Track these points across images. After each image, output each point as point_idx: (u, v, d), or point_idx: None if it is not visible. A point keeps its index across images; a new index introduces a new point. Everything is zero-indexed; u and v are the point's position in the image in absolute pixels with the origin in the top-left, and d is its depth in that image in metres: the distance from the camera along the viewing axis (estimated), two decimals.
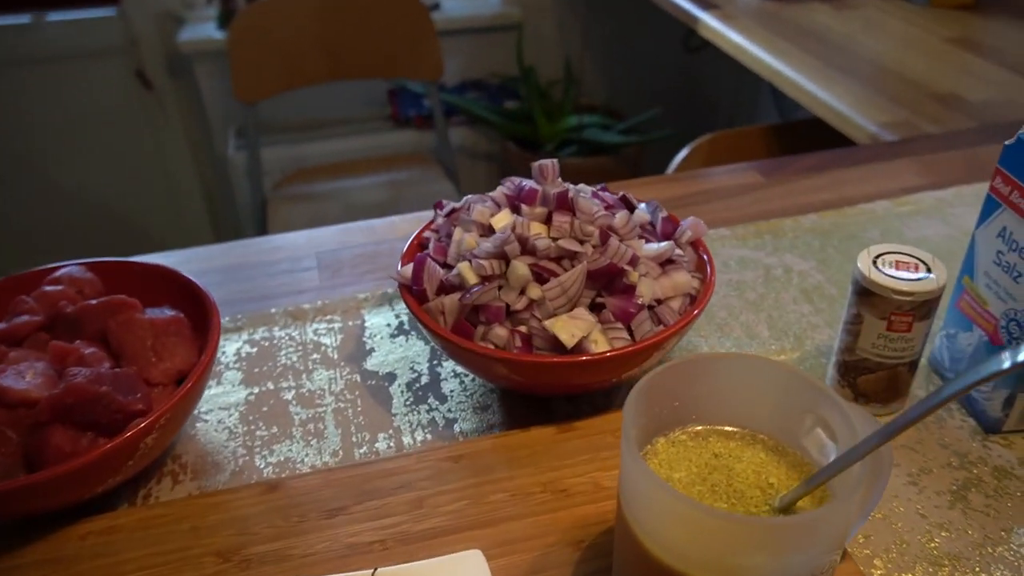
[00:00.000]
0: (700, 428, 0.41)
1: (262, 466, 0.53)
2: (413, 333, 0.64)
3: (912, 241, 0.74)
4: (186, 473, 0.53)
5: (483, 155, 2.17)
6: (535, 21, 2.12)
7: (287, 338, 0.65)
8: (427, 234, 0.60)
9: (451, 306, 0.53)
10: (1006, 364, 0.28)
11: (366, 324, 0.66)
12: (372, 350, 0.63)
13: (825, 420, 0.37)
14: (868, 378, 0.54)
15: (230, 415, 0.58)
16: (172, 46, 2.03)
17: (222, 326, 0.66)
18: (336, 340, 0.64)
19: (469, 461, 0.51)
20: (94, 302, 0.53)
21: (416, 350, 0.63)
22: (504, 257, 0.53)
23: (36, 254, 2.21)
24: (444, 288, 0.54)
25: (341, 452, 0.54)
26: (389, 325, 0.65)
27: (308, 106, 2.16)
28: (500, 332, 0.52)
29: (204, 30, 2.01)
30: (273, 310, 0.67)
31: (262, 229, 1.88)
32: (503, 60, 2.16)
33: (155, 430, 0.47)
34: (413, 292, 0.55)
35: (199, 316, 0.56)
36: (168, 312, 0.56)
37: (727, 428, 0.41)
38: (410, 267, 0.56)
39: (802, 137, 1.24)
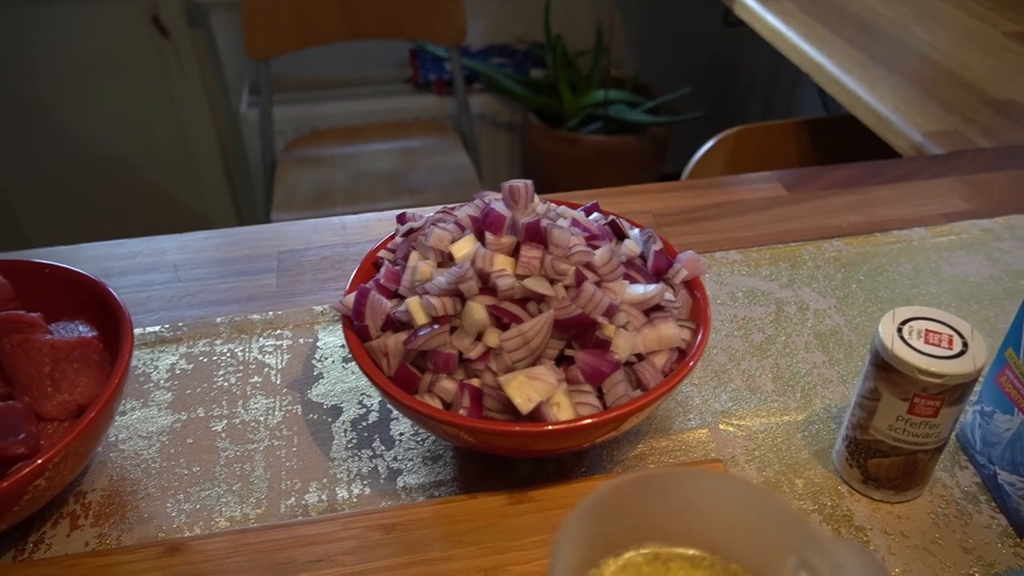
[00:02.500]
0: (660, 550, 0.33)
1: (173, 514, 0.47)
2: None
3: (951, 279, 0.64)
4: (87, 517, 0.47)
5: (504, 126, 2.07)
6: None
7: (228, 355, 0.58)
8: (383, 254, 0.53)
9: (395, 348, 0.45)
10: None
11: (318, 344, 0.58)
12: (320, 376, 0.56)
13: (813, 568, 0.29)
14: (881, 462, 0.46)
15: (150, 446, 0.51)
16: None
17: (160, 335, 0.59)
18: (282, 361, 0.57)
19: (402, 532, 0.44)
20: None
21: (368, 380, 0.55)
22: (460, 295, 0.45)
23: (42, 200, 2.17)
24: (391, 324, 0.47)
25: (265, 503, 0.48)
26: (343, 347, 0.58)
27: (326, 64, 2.07)
28: (448, 386, 0.44)
29: None
30: (219, 319, 0.60)
31: (270, 193, 1.82)
32: (531, 25, 2.05)
33: (41, 476, 0.41)
34: (355, 327, 0.47)
35: (117, 332, 0.49)
36: (79, 330, 0.49)
37: (692, 552, 0.33)
38: (351, 297, 0.48)
39: (842, 136, 1.14)
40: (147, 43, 2.05)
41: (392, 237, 0.54)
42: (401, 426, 0.52)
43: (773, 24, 1.15)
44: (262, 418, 0.53)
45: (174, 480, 0.49)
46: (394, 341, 0.45)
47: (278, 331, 0.60)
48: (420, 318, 0.45)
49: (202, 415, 0.53)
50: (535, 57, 2.05)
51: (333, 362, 0.57)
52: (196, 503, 0.48)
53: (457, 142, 1.84)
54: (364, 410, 0.53)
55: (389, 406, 0.53)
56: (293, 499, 0.48)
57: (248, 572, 0.42)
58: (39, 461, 0.40)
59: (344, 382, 0.55)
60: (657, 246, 0.51)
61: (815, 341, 0.58)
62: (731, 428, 0.52)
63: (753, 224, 0.71)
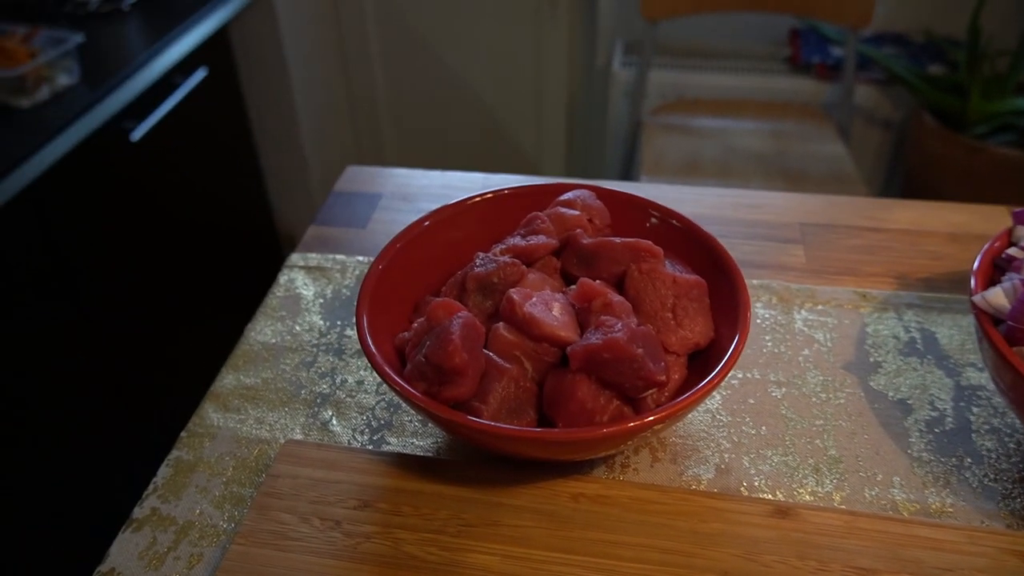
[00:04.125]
0: None
1: (752, 472, 0.46)
2: (930, 356, 0.53)
3: None
4: (665, 452, 0.48)
5: (882, 122, 1.91)
6: None
7: (772, 321, 0.56)
8: (1013, 252, 0.47)
9: None
10: None
11: (867, 330, 0.55)
12: (877, 365, 0.53)
13: None
14: None
15: (712, 398, 0.51)
16: None
17: None
18: (829, 340, 0.55)
19: None
20: (617, 241, 0.48)
21: (934, 379, 0.51)
22: None
23: (404, 122, 2.35)
24: None
25: (847, 487, 0.45)
26: (896, 338, 0.54)
27: (701, 32, 2.04)
28: None
29: None
30: (755, 282, 0.59)
31: (630, 154, 1.83)
32: (940, 14, 1.86)
33: (679, 415, 0.41)
34: (1003, 327, 0.43)
35: (712, 281, 0.49)
36: (679, 269, 0.49)
37: None
38: (998, 293, 0.44)
39: None
40: None
41: (1007, 235, 0.49)
42: (987, 441, 0.47)
43: None
44: (823, 395, 0.51)
45: (744, 438, 0.48)
46: None
47: (819, 307, 0.57)
48: None
49: (758, 377, 0.52)
50: (934, 50, 1.86)
51: (887, 352, 0.53)
52: (773, 465, 0.46)
53: (831, 131, 1.73)
54: (937, 414, 0.49)
55: (969, 414, 0.49)
56: (877, 490, 0.45)
57: (872, 558, 0.40)
58: (687, 396, 0.40)
59: (907, 378, 0.52)
60: None
61: None
62: None
63: None
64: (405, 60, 2.26)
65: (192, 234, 1.42)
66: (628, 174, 1.84)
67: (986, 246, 0.48)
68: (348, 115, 2.36)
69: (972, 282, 0.46)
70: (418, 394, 0.41)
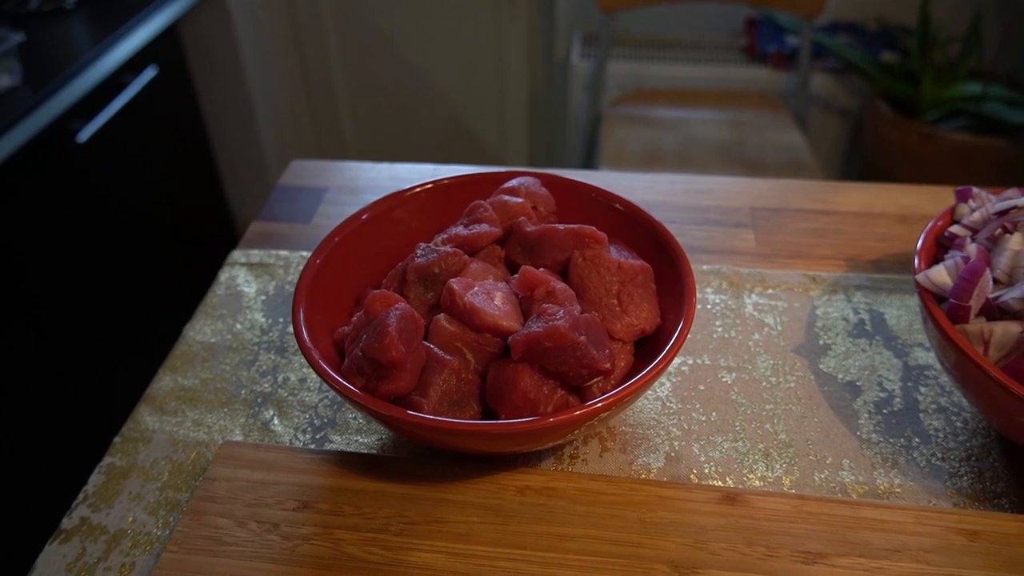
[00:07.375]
0: None
1: (702, 459, 0.46)
2: (878, 337, 0.53)
3: None
4: (615, 441, 0.47)
5: (838, 110, 1.93)
6: None
7: (722, 306, 0.56)
8: (956, 229, 0.47)
9: (1005, 338, 0.40)
10: None
11: (817, 312, 0.55)
12: (827, 347, 0.52)
13: None
14: None
15: (661, 384, 0.50)
16: None
17: None
18: (780, 323, 0.54)
19: (989, 544, 0.39)
20: (561, 228, 0.47)
21: (883, 360, 0.51)
22: None
23: (365, 118, 2.33)
24: (989, 310, 0.42)
25: (797, 471, 0.45)
26: (846, 320, 0.54)
27: (659, 23, 2.04)
28: None
29: None
30: (705, 267, 0.58)
31: (591, 146, 1.83)
32: (892, 2, 1.88)
33: (624, 402, 0.40)
34: (945, 305, 0.43)
35: (658, 267, 0.48)
36: (624, 254, 0.49)
37: None
38: (941, 271, 0.43)
39: None
40: None
41: (950, 211, 0.49)
42: (934, 420, 0.47)
43: None
44: (774, 379, 0.50)
45: (694, 424, 0.48)
46: (1004, 330, 0.40)
47: (769, 290, 0.57)
48: None
49: (708, 363, 0.51)
50: (887, 38, 1.88)
51: (837, 335, 0.53)
52: (722, 453, 0.46)
53: (788, 120, 1.74)
54: (885, 395, 0.49)
55: (917, 394, 0.49)
56: (826, 473, 0.45)
57: (820, 542, 0.39)
58: (630, 384, 0.39)
59: (855, 359, 0.51)
60: None
61: None
62: None
63: None
64: (364, 55, 2.24)
65: (146, 236, 1.39)
66: (589, 166, 1.84)
67: (929, 225, 0.48)
68: (307, 111, 2.33)
69: (916, 261, 0.46)
70: (355, 390, 0.39)
